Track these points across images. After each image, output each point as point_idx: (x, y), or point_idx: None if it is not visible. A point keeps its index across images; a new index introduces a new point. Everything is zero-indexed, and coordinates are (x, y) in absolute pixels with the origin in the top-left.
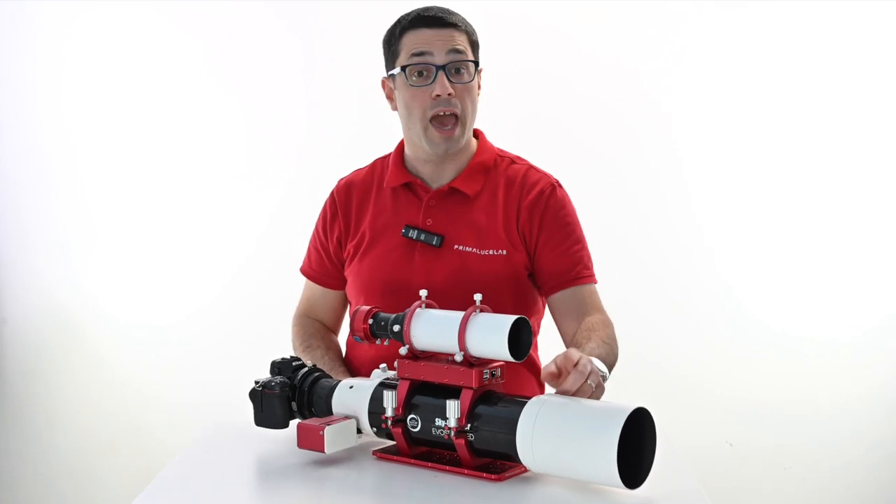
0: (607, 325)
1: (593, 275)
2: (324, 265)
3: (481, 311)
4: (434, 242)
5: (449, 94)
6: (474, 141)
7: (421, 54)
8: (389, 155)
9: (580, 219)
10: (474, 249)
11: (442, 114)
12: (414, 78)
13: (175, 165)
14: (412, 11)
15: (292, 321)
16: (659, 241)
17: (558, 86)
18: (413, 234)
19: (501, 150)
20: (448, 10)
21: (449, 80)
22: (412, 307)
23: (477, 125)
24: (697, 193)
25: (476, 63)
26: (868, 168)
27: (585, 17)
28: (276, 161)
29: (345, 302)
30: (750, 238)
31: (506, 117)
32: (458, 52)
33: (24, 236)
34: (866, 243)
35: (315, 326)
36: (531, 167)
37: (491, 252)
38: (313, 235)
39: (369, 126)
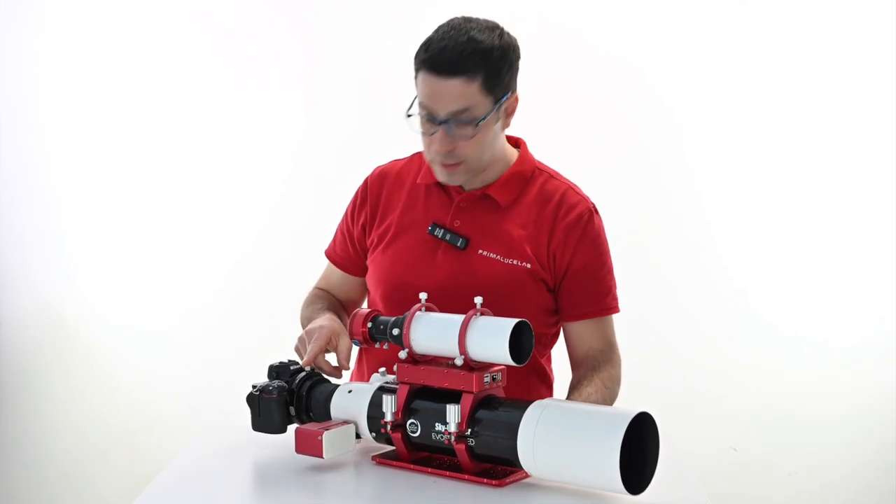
0: (614, 364)
1: (617, 303)
2: (347, 250)
3: (482, 314)
4: (459, 244)
5: (449, 149)
6: (514, 151)
7: (426, 106)
8: None
9: None
10: (498, 257)
11: (446, 164)
12: (421, 122)
13: (172, 164)
14: (431, 42)
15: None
16: (664, 242)
17: (559, 86)
18: (439, 232)
19: (541, 164)
20: (462, 47)
21: (452, 132)
22: (412, 310)
23: None
24: (706, 194)
25: (476, 124)
26: (883, 169)
27: (588, 14)
28: (275, 160)
29: (364, 289)
30: (757, 240)
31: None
32: (460, 111)
33: (17, 238)
34: (875, 247)
35: (328, 297)
36: (570, 187)
37: (515, 262)
38: (342, 219)
39: (369, 123)
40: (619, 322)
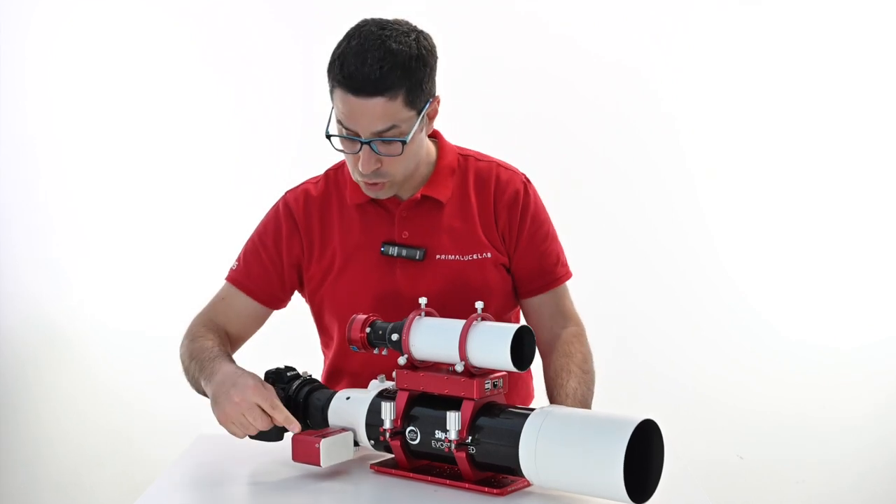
0: (581, 339)
1: (568, 269)
2: (270, 280)
3: (482, 319)
4: (417, 257)
5: (376, 168)
6: (433, 146)
7: (346, 126)
8: (343, 164)
9: (578, 220)
10: (457, 256)
11: (370, 183)
12: (342, 142)
13: (167, 169)
14: (345, 57)
15: (185, 333)
16: (668, 247)
17: (560, 86)
18: (393, 250)
19: (461, 148)
20: (380, 62)
21: (377, 150)
22: (411, 315)
23: (476, 126)
24: (708, 199)
25: (403, 142)
26: (887, 171)
27: (586, 15)
28: (272, 164)
29: (262, 319)
30: (762, 245)
31: (506, 118)
32: (385, 130)
33: (10, 243)
34: (882, 250)
35: (219, 332)
36: (499, 164)
37: (474, 256)
38: (255, 244)
39: None
40: (624, 328)
